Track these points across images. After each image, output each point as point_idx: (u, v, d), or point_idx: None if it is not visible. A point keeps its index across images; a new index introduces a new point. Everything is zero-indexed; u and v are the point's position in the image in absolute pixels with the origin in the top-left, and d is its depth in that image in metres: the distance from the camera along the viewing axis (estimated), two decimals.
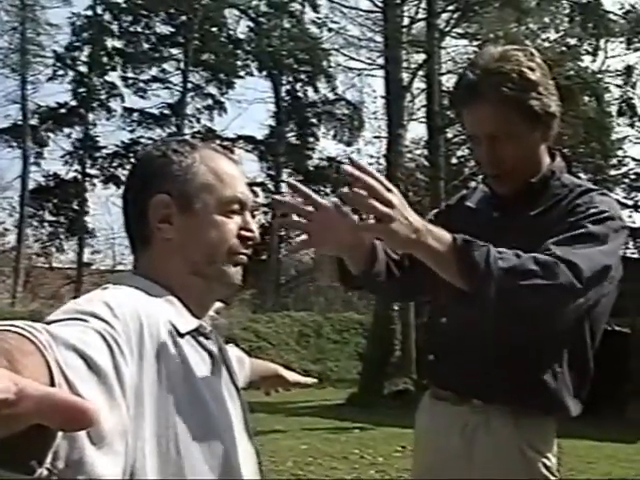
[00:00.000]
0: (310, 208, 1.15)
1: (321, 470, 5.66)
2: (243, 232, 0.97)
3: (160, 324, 0.83)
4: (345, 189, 1.03)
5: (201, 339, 0.91)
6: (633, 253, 20.09)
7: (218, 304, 1.02)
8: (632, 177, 20.09)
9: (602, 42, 15.27)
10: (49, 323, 0.69)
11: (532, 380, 1.25)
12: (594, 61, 15.84)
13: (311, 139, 21.86)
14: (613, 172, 19.37)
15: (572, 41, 15.77)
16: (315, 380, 1.53)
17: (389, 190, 1.00)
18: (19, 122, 20.97)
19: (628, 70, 15.15)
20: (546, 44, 16.22)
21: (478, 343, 1.25)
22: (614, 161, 19.13)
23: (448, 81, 17.80)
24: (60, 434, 0.55)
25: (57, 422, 0.41)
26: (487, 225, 1.34)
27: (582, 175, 22.50)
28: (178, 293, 0.91)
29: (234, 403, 0.94)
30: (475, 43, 16.80)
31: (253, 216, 1.01)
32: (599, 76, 15.74)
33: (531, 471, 1.26)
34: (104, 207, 32.79)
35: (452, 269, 1.07)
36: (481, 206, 1.45)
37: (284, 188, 21.18)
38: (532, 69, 1.26)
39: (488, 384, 1.25)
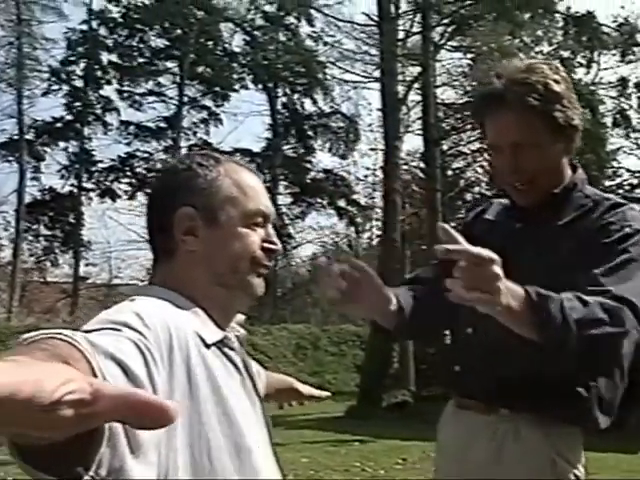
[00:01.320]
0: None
1: None
2: (266, 244, 0.98)
3: (188, 335, 0.84)
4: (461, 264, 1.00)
5: (226, 350, 0.92)
6: None
7: (239, 316, 1.03)
8: (627, 188, 20.19)
9: (596, 55, 15.41)
10: (85, 332, 0.70)
11: (563, 391, 1.24)
12: (588, 73, 15.98)
13: (307, 152, 21.92)
14: (608, 183, 19.48)
15: (565, 54, 15.91)
16: (328, 393, 1.51)
17: (492, 261, 1.00)
18: (15, 137, 20.97)
19: (623, 82, 15.28)
20: (540, 57, 16.39)
21: (507, 354, 1.24)
22: (609, 172, 19.23)
23: (443, 93, 17.91)
24: (105, 441, 0.57)
25: (138, 421, 0.42)
26: (509, 237, 1.34)
27: None
28: (202, 304, 0.92)
29: (257, 414, 0.95)
30: (469, 56, 16.95)
31: (275, 228, 1.02)
32: (592, 88, 15.86)
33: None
34: (100, 221, 32.69)
35: (527, 323, 1.09)
36: (501, 219, 1.44)
37: (280, 200, 21.22)
38: (557, 82, 1.28)
39: (518, 394, 1.24)
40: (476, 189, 22.28)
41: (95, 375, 0.54)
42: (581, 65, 15.84)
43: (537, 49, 16.16)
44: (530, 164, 1.28)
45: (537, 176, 1.29)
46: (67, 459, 0.54)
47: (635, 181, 18.29)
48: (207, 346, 0.87)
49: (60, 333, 0.55)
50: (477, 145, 20.91)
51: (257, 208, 0.98)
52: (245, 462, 0.85)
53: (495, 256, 1.01)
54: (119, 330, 0.72)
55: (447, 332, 1.48)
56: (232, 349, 0.93)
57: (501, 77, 1.29)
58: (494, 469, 1.27)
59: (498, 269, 1.01)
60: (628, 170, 18.78)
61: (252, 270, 0.97)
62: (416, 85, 16.57)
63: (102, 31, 21.63)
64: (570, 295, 1.11)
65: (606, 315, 1.10)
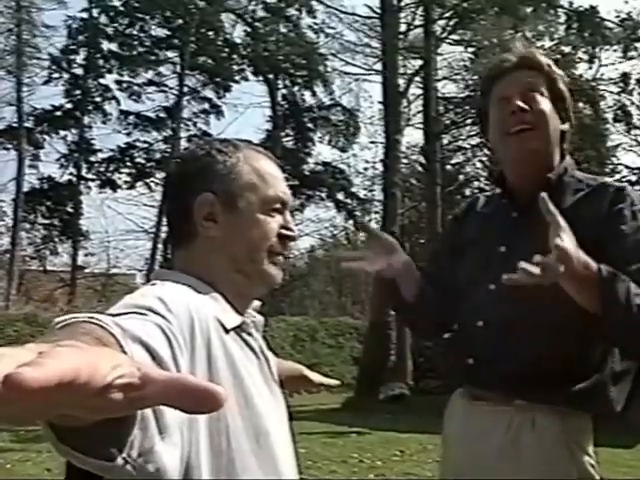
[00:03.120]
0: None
1: (321, 474, 5.66)
2: (284, 231, 0.99)
3: (209, 320, 0.84)
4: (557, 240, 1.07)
5: (244, 335, 0.93)
6: None
7: (256, 302, 1.04)
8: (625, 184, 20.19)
9: (597, 50, 15.38)
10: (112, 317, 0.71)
11: (578, 378, 1.26)
12: (590, 68, 15.96)
13: (307, 144, 21.87)
14: (607, 179, 19.48)
15: (567, 49, 15.88)
16: (338, 382, 1.52)
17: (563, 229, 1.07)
18: (14, 124, 20.88)
19: (625, 77, 15.26)
20: (541, 52, 16.34)
21: (520, 345, 1.27)
22: (608, 169, 19.23)
23: (444, 87, 17.86)
24: (138, 423, 0.58)
25: (187, 405, 0.42)
26: (507, 227, 1.39)
27: None
28: (221, 290, 0.93)
29: (275, 398, 0.97)
30: (471, 50, 16.91)
31: (292, 215, 1.04)
32: (593, 84, 15.85)
33: (579, 470, 1.27)
34: (99, 210, 32.66)
35: (594, 297, 1.14)
36: (496, 209, 1.47)
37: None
38: (557, 66, 1.42)
39: (533, 385, 1.25)
40: (475, 184, 22.27)
41: None
42: (582, 60, 15.82)
43: (539, 44, 16.14)
44: (537, 106, 1.34)
45: (538, 125, 1.34)
46: (101, 440, 0.55)
47: (634, 178, 18.30)
48: (226, 331, 0.88)
49: (94, 317, 0.56)
50: (477, 140, 20.90)
51: (276, 195, 0.98)
52: (263, 445, 0.86)
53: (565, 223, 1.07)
54: (145, 314, 0.73)
55: (455, 326, 1.50)
56: (250, 334, 0.94)
57: (512, 53, 1.41)
58: (511, 460, 1.27)
59: (569, 236, 1.07)
60: (627, 167, 18.80)
61: (269, 259, 0.97)
62: (417, 78, 16.54)
63: (103, 19, 21.51)
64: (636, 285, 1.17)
65: None
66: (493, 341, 1.34)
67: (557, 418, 1.27)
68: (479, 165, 21.89)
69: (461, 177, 21.17)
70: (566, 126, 1.40)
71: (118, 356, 0.46)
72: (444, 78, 17.37)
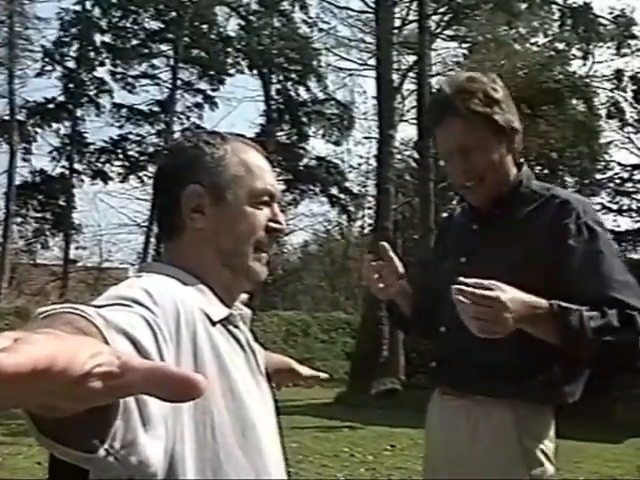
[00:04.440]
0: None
1: (312, 468, 5.67)
2: (271, 224, 0.99)
3: (194, 312, 0.84)
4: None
5: (231, 328, 0.93)
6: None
7: (244, 295, 1.04)
8: (617, 182, 20.27)
9: (591, 47, 15.42)
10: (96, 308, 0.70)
11: (530, 374, 1.36)
12: (584, 65, 16.00)
13: (301, 138, 21.82)
14: (599, 176, 19.54)
15: (561, 46, 15.91)
16: (326, 375, 1.53)
17: (498, 300, 1.16)
18: (6, 117, 20.74)
19: (618, 74, 15.31)
20: (535, 48, 16.36)
21: (476, 348, 1.35)
22: (600, 165, 19.29)
23: (438, 83, 17.89)
24: (120, 414, 0.58)
25: (167, 393, 0.42)
26: (469, 238, 1.51)
27: (568, 179, 22.69)
28: (208, 282, 0.92)
29: (262, 391, 0.96)
30: (465, 45, 16.92)
31: (284, 210, 1.02)
32: (586, 80, 15.89)
33: (528, 456, 1.36)
34: (91, 204, 32.51)
35: (550, 333, 1.24)
36: (461, 221, 1.59)
37: None
38: (495, 89, 1.43)
39: (487, 381, 1.37)
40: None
41: None
42: (576, 57, 15.86)
43: (533, 40, 16.18)
44: (478, 164, 1.41)
45: (485, 175, 1.42)
46: (82, 431, 0.54)
47: (626, 175, 18.37)
48: (212, 323, 0.87)
49: (76, 308, 0.55)
50: None
51: (264, 187, 0.98)
52: (248, 437, 0.86)
53: (501, 294, 1.16)
54: (129, 306, 0.73)
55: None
56: (237, 327, 0.94)
57: (446, 87, 1.45)
58: (470, 449, 1.39)
59: (506, 301, 1.16)
60: (619, 164, 18.87)
61: (254, 256, 0.97)
62: (411, 74, 16.54)
63: (96, 12, 21.36)
64: (588, 307, 1.25)
65: (620, 324, 1.24)
66: (452, 344, 1.45)
67: (511, 409, 1.36)
68: None
69: None
70: (514, 145, 1.46)
71: (97, 345, 0.46)
72: (438, 74, 17.37)
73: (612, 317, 1.24)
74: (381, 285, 1.54)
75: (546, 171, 22.48)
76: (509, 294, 1.18)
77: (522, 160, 1.51)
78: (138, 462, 0.63)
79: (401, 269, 1.55)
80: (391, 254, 1.50)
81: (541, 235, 1.35)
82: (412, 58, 16.15)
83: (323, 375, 1.50)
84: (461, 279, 1.17)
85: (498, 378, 1.35)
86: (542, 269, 1.31)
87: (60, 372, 0.39)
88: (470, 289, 1.16)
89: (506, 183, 1.44)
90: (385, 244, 1.45)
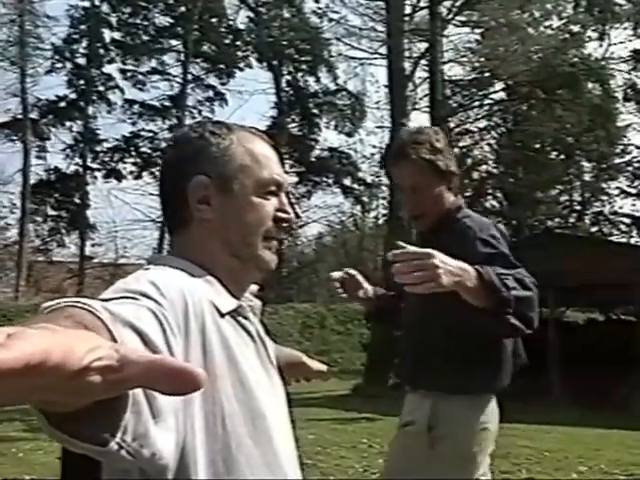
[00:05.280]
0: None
1: (330, 459, 5.63)
2: (279, 213, 0.98)
3: (203, 303, 0.84)
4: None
5: (240, 319, 0.92)
6: (638, 242, 20.02)
7: (253, 287, 1.04)
8: (636, 165, 19.98)
9: (607, 28, 15.14)
10: (102, 301, 0.70)
11: (463, 369, 1.66)
12: (601, 46, 15.71)
13: (313, 130, 21.74)
14: (617, 160, 19.27)
15: (575, 28, 15.64)
16: (333, 369, 1.55)
17: (427, 255, 1.37)
18: (19, 116, 20.88)
19: (635, 55, 15.02)
20: (549, 31, 16.10)
21: (419, 346, 1.76)
22: (618, 149, 19.02)
23: (451, 70, 17.67)
24: (130, 407, 0.58)
25: (165, 386, 0.43)
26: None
27: (585, 164, 22.40)
28: (216, 274, 0.92)
29: (272, 382, 0.96)
30: (478, 31, 16.69)
31: (289, 198, 1.02)
32: (602, 63, 15.61)
33: (468, 437, 1.68)
34: (106, 201, 32.75)
35: (478, 289, 1.46)
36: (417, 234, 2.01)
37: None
38: (438, 140, 1.80)
39: (428, 378, 1.71)
40: (483, 167, 22.13)
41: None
42: (591, 39, 15.58)
43: (547, 23, 15.92)
44: (424, 200, 1.80)
45: (428, 208, 1.80)
46: (93, 425, 0.55)
47: None
48: (221, 315, 0.87)
49: (80, 302, 0.55)
50: (485, 123, 20.72)
51: (271, 177, 0.97)
52: (259, 428, 0.86)
53: (432, 251, 1.38)
54: (136, 299, 0.73)
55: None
56: (246, 318, 0.93)
57: (400, 138, 1.84)
58: (427, 438, 1.70)
59: (436, 260, 1.36)
60: (638, 147, 18.59)
61: (264, 244, 0.97)
62: (423, 62, 16.36)
63: (104, 8, 21.41)
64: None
65: (529, 282, 1.55)
66: (405, 344, 1.84)
67: (453, 400, 1.68)
68: (487, 148, 21.73)
69: (469, 160, 21.00)
70: (451, 178, 1.81)
71: (96, 338, 0.46)
72: (450, 61, 17.18)
73: (523, 279, 1.55)
74: (345, 295, 1.95)
75: (562, 157, 22.28)
76: (439, 255, 1.39)
77: (457, 194, 1.86)
78: (150, 455, 0.64)
79: (363, 283, 1.94)
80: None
81: (457, 249, 1.57)
82: (424, 45, 15.97)
83: (328, 369, 1.51)
84: (400, 245, 1.40)
85: (433, 372, 1.68)
86: None
87: (55, 367, 0.39)
88: (404, 251, 1.37)
89: (443, 214, 1.80)
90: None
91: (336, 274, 1.87)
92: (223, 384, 0.82)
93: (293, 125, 21.75)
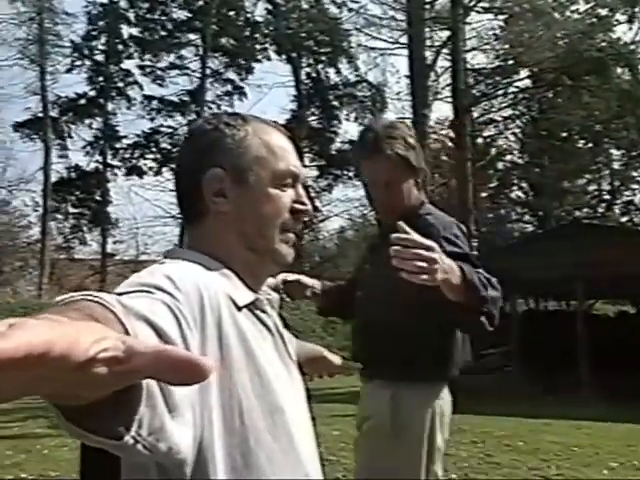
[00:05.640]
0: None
1: (354, 456, 5.43)
2: (296, 205, 0.98)
3: (219, 297, 0.83)
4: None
5: (258, 312, 0.92)
6: None
7: (271, 280, 1.04)
8: None
9: (637, 10, 14.65)
10: (117, 295, 0.68)
11: (415, 359, 1.70)
12: (630, 29, 15.22)
13: (333, 122, 21.52)
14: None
15: (603, 11, 15.17)
16: (359, 364, 1.70)
17: (429, 248, 1.35)
18: (39, 114, 20.97)
19: None
20: (575, 15, 15.64)
21: (369, 342, 1.79)
22: None
23: (473, 58, 17.30)
24: (144, 401, 0.57)
25: (172, 377, 0.43)
26: (374, 249, 1.92)
27: (614, 151, 21.88)
28: (233, 267, 0.92)
29: (291, 375, 0.95)
30: (501, 17, 16.29)
31: (306, 189, 1.01)
32: (632, 47, 15.12)
33: (418, 422, 1.70)
34: (126, 197, 32.94)
35: (460, 293, 1.47)
36: (374, 237, 2.06)
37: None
38: (411, 136, 1.81)
39: (379, 368, 1.74)
40: (508, 157, 21.71)
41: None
42: (620, 23, 15.09)
43: (573, 7, 15.46)
44: (394, 195, 1.81)
45: (397, 203, 1.81)
46: (108, 419, 0.54)
47: None
48: (238, 308, 0.87)
49: (93, 295, 0.55)
50: (509, 112, 20.28)
51: (287, 168, 0.97)
52: (277, 422, 0.85)
53: (434, 244, 1.36)
54: (151, 293, 0.72)
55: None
56: (264, 311, 0.93)
57: (372, 131, 1.79)
58: (388, 425, 1.73)
59: (437, 255, 1.34)
60: None
61: (280, 237, 0.96)
62: (445, 50, 16.02)
63: (123, 4, 21.40)
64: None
65: (492, 279, 1.57)
66: (358, 337, 1.87)
67: (413, 388, 1.71)
68: (512, 138, 21.29)
69: (493, 151, 20.60)
70: (418, 173, 1.83)
71: (103, 330, 0.45)
72: (473, 49, 16.80)
73: (489, 279, 1.56)
74: (289, 299, 1.97)
75: (590, 145, 21.76)
76: (439, 250, 1.38)
77: (420, 189, 1.88)
78: (167, 449, 0.64)
79: (307, 282, 1.93)
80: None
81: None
82: (445, 33, 15.64)
83: (354, 365, 1.65)
84: (404, 229, 1.36)
85: (384, 363, 1.72)
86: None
87: (59, 357, 0.39)
88: (409, 237, 1.34)
89: (407, 209, 1.81)
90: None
91: (271, 281, 1.66)
92: (240, 377, 0.82)
93: (313, 118, 21.55)
